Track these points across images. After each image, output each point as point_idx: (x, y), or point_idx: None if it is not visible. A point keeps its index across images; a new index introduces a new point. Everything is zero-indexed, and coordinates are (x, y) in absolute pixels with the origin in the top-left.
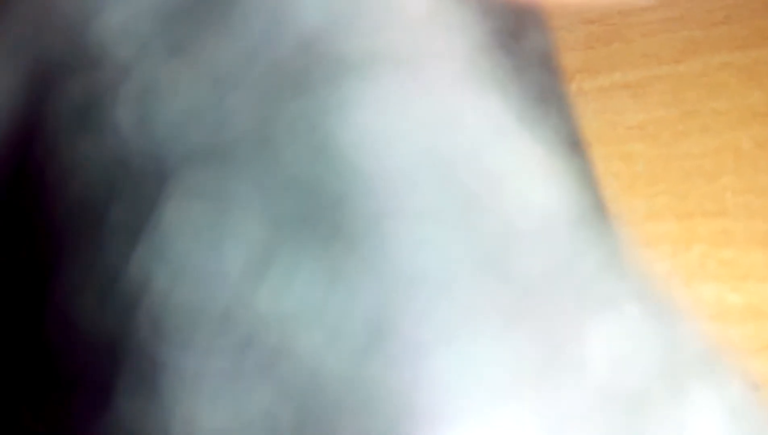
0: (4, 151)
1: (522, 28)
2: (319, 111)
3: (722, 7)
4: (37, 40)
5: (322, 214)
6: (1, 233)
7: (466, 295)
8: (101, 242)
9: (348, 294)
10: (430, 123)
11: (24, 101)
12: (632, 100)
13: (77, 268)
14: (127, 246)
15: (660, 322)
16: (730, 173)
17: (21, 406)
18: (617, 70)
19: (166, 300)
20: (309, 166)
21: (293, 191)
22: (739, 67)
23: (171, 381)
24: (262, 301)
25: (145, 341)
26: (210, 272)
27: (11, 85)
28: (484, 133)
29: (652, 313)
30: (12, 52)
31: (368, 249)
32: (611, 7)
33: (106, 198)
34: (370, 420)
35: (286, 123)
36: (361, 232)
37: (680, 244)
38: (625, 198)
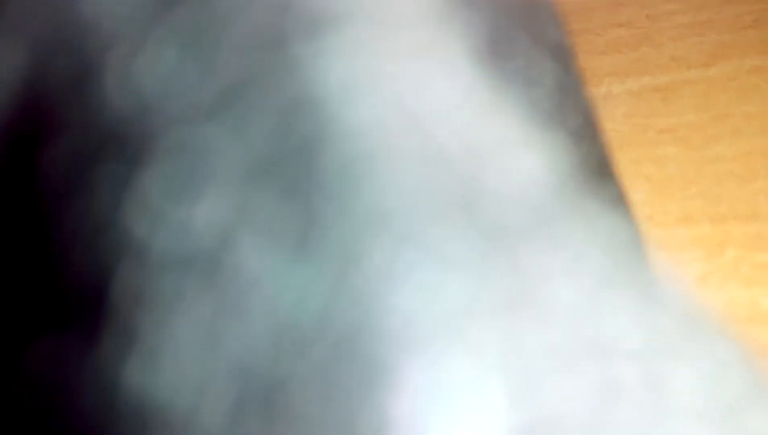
0: (8, 120)
1: (534, 19)
2: (294, 64)
3: (751, 11)
4: (34, 17)
5: (296, 158)
6: (6, 185)
7: (435, 232)
8: (91, 195)
9: (321, 231)
10: (400, 77)
11: (24, 74)
12: (662, 103)
13: (70, 218)
14: (114, 198)
15: (641, 292)
16: (763, 177)
17: (15, 346)
18: (647, 74)
19: (149, 248)
20: (284, 115)
21: (270, 138)
22: None
23: (152, 327)
24: (240, 244)
25: (129, 287)
26: (189, 220)
27: (13, 60)
28: (453, 91)
29: (632, 278)
30: (13, 29)
31: (340, 189)
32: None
33: (95, 157)
34: (343, 350)
35: (262, 77)
36: (332, 174)
37: (714, 247)
38: (657, 201)
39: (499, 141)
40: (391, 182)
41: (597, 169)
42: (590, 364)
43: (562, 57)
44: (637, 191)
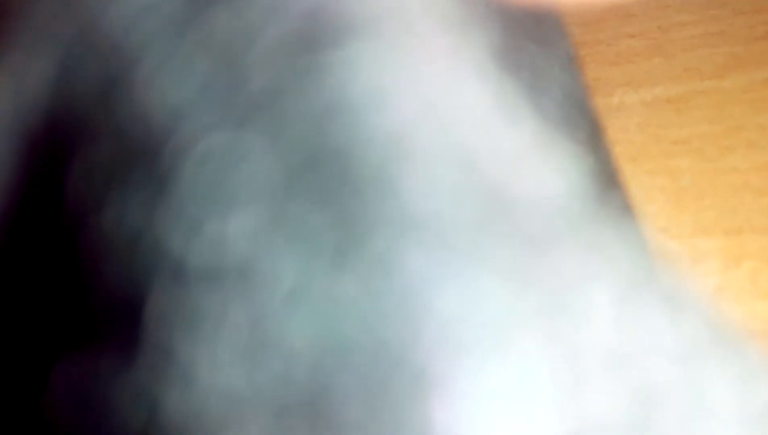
0: (40, 129)
1: (541, 31)
2: (326, 69)
3: (764, 22)
4: (62, 27)
5: (330, 163)
6: (35, 198)
7: (472, 237)
8: (123, 207)
9: (358, 238)
10: (429, 82)
11: (53, 85)
12: (676, 114)
13: (102, 231)
14: (146, 210)
15: (670, 298)
16: None
17: (49, 361)
18: (659, 85)
19: (183, 261)
20: (317, 120)
21: (303, 145)
22: None
23: (189, 341)
24: (276, 254)
25: (164, 301)
26: (224, 231)
27: (42, 71)
28: (481, 97)
29: (660, 283)
30: (42, 39)
31: (375, 194)
32: (605, 8)
33: (127, 166)
34: (385, 357)
35: (294, 83)
36: (367, 178)
37: (730, 260)
38: (671, 213)
39: (527, 147)
40: (426, 187)
41: (604, 180)
42: (629, 368)
43: (569, 68)
44: (651, 203)
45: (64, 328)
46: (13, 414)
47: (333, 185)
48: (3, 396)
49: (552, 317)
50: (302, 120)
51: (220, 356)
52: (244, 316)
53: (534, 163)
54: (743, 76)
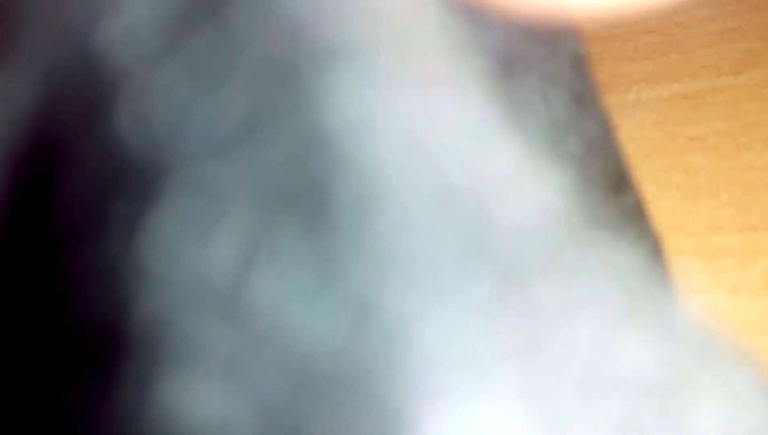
0: (24, 153)
1: (549, 30)
2: (306, 100)
3: None
4: (46, 51)
5: (308, 197)
6: (18, 222)
7: (450, 274)
8: (105, 232)
9: (335, 273)
10: (413, 111)
11: (37, 109)
12: (692, 111)
13: (84, 255)
14: (126, 237)
15: (655, 325)
16: None
17: (29, 388)
18: (676, 81)
19: (162, 289)
20: (296, 152)
21: (281, 177)
22: None
23: (170, 366)
24: (253, 285)
25: (145, 330)
26: (203, 260)
27: (26, 95)
28: (465, 126)
29: (647, 309)
30: (26, 62)
31: (353, 229)
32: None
33: (107, 193)
34: (362, 393)
35: (273, 113)
36: (345, 213)
37: (745, 257)
38: (687, 210)
39: (509, 176)
40: (406, 222)
41: (615, 179)
42: (611, 402)
43: (578, 68)
44: (666, 200)
45: (49, 354)
46: None
47: (312, 219)
48: None
49: (530, 356)
50: (283, 149)
51: (198, 385)
52: (222, 347)
53: (516, 193)
54: (760, 72)
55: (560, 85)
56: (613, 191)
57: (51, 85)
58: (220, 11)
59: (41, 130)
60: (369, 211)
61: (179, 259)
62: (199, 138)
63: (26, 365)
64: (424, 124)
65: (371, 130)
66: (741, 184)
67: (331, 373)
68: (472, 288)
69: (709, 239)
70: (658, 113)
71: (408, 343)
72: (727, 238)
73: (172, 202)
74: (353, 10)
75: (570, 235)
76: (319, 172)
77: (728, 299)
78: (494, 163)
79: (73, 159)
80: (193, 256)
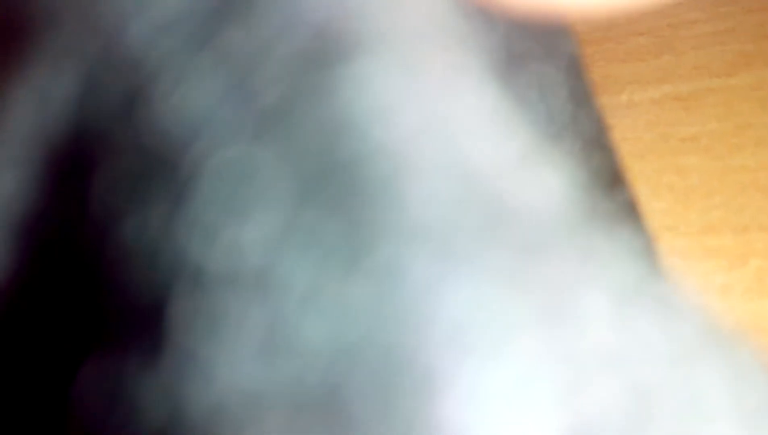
0: (63, 143)
1: (545, 30)
2: (334, 86)
3: None
4: (84, 44)
5: (340, 175)
6: (59, 209)
7: (474, 246)
8: (144, 217)
9: (367, 244)
10: (433, 96)
11: (76, 100)
12: (685, 112)
13: (124, 240)
14: (167, 219)
15: (665, 300)
16: None
17: (74, 362)
18: (668, 83)
19: (202, 268)
20: (327, 134)
21: (314, 157)
22: None
23: (209, 344)
24: (289, 260)
25: (185, 306)
26: (240, 239)
27: (65, 86)
28: (481, 109)
29: (654, 287)
30: (64, 55)
31: (382, 204)
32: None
33: (147, 180)
34: (394, 358)
35: (304, 99)
36: (375, 189)
37: (737, 258)
38: (679, 211)
39: (524, 156)
40: (430, 197)
41: (609, 179)
42: (626, 369)
43: (573, 67)
44: (658, 201)
45: (89, 332)
46: (39, 412)
47: (343, 196)
48: (30, 395)
49: (550, 321)
50: (312, 134)
51: (238, 357)
52: (260, 320)
53: (532, 173)
54: (752, 74)
55: (557, 83)
56: (607, 190)
57: (87, 78)
58: (250, 4)
59: (80, 121)
60: (395, 187)
61: (217, 239)
62: (232, 125)
63: (71, 340)
64: (445, 108)
65: (395, 116)
66: (733, 185)
67: (364, 343)
68: (494, 257)
69: (701, 240)
70: (650, 114)
71: (436, 308)
72: (720, 239)
73: (209, 185)
74: (375, 4)
75: (578, 216)
76: (346, 153)
77: (720, 300)
78: (508, 145)
79: (113, 148)
80: (230, 237)
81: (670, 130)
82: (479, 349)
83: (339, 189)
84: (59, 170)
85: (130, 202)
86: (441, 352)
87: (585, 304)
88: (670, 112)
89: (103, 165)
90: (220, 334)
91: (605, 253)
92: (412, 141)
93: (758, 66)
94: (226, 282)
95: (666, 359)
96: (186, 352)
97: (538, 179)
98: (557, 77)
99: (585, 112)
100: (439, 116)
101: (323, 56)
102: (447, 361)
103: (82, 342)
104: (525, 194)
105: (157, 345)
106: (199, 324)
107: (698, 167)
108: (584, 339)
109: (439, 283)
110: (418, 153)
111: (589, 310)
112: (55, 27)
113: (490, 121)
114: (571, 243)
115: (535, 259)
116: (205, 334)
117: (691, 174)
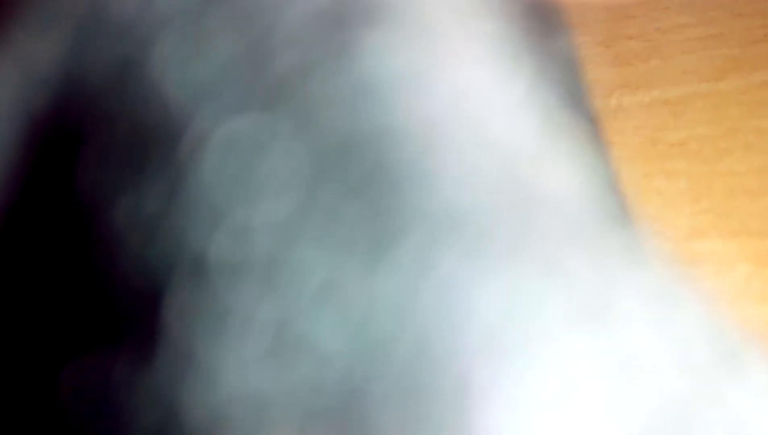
0: (49, 112)
1: (546, 28)
2: (357, 49)
3: (762, 25)
4: (73, 3)
5: (363, 150)
6: (44, 184)
7: (512, 233)
8: (140, 195)
9: (393, 231)
10: (463, 67)
11: (64, 64)
12: (673, 117)
13: (117, 221)
14: (165, 198)
15: (696, 299)
16: None
17: (61, 358)
18: (656, 87)
19: (204, 254)
20: (348, 103)
21: (333, 129)
22: None
23: (210, 340)
24: (305, 248)
25: (184, 297)
26: (248, 222)
27: (52, 50)
28: (515, 86)
29: (681, 287)
30: (51, 17)
31: (411, 185)
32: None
33: (144, 153)
34: (423, 361)
35: (323, 63)
36: (403, 168)
37: (725, 263)
38: (668, 215)
39: (558, 140)
40: (464, 179)
41: (604, 184)
42: (665, 372)
43: (572, 66)
44: (647, 205)
45: (77, 323)
46: (25, 412)
47: (366, 174)
48: (15, 394)
49: (595, 318)
50: (332, 102)
51: (244, 357)
52: (270, 314)
53: (566, 156)
54: (741, 78)
55: (554, 83)
56: (600, 193)
57: (77, 40)
58: None
59: (68, 88)
60: (426, 166)
61: (222, 221)
62: (239, 93)
63: (57, 332)
64: (475, 81)
65: (424, 85)
66: (722, 189)
67: (391, 339)
68: (533, 247)
69: (689, 245)
70: (639, 119)
71: (471, 305)
72: (708, 244)
73: (214, 160)
74: None
75: (615, 204)
76: (372, 124)
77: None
78: (545, 125)
79: (105, 117)
80: (236, 220)
81: (658, 134)
82: (518, 353)
83: (361, 167)
84: (43, 144)
85: (124, 179)
86: (476, 356)
87: (628, 299)
88: (659, 116)
89: (93, 137)
90: (223, 330)
91: (641, 245)
92: (442, 115)
93: (747, 70)
94: (231, 271)
95: (705, 362)
96: (184, 351)
97: (573, 163)
98: (556, 75)
99: (581, 112)
100: (470, 90)
101: (344, 17)
102: (483, 367)
103: (69, 334)
104: (562, 179)
105: (151, 343)
106: (200, 319)
107: (687, 172)
108: (630, 338)
109: (473, 276)
110: (449, 129)
111: (633, 306)
112: None
113: (523, 97)
114: (609, 234)
115: (575, 251)
116: (206, 332)
117: (680, 179)
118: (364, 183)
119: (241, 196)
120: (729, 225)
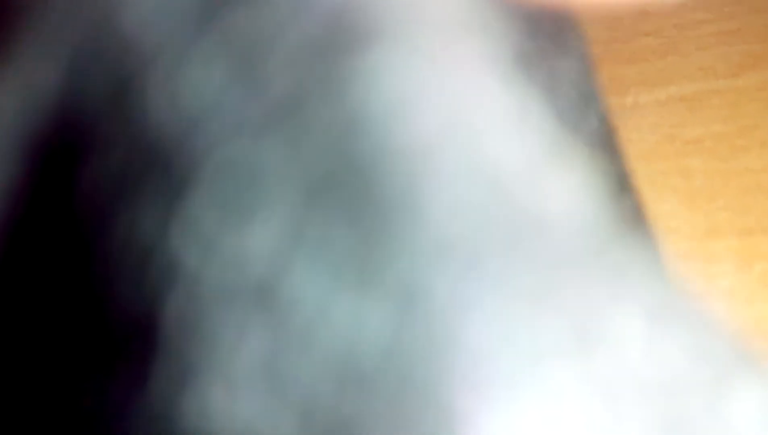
0: (47, 134)
1: (556, 30)
2: (349, 76)
3: None
4: (72, 26)
5: (353, 178)
6: (41, 206)
7: (500, 261)
8: (135, 219)
9: (382, 259)
10: (456, 90)
11: (60, 88)
12: (689, 113)
13: (113, 245)
14: (157, 225)
15: (694, 320)
16: None
17: (55, 381)
18: (673, 84)
19: (199, 277)
20: (340, 130)
21: (324, 158)
22: None
23: (205, 363)
24: (296, 273)
25: (179, 320)
26: (241, 248)
27: (48, 73)
28: (508, 108)
29: (685, 309)
30: (50, 38)
31: (400, 213)
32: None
33: (140, 177)
34: (411, 389)
35: (315, 90)
36: (392, 195)
37: (741, 261)
38: (684, 213)
39: (552, 162)
40: (453, 207)
41: (616, 182)
42: (662, 397)
43: (583, 68)
44: (663, 203)
45: (74, 343)
46: (21, 432)
47: (356, 202)
48: (11, 413)
49: (584, 347)
50: (324, 129)
51: (236, 383)
52: (261, 341)
53: (559, 180)
54: (758, 74)
55: (566, 83)
56: (615, 195)
57: (76, 63)
58: None
59: (66, 110)
60: (415, 194)
61: (215, 248)
62: (234, 119)
63: (53, 359)
64: (467, 104)
65: (414, 112)
66: (738, 187)
67: (378, 368)
68: (522, 275)
69: (705, 243)
70: (656, 116)
71: (458, 333)
72: (724, 242)
73: (207, 187)
74: None
75: (612, 227)
76: (361, 152)
77: (725, 303)
78: (538, 148)
79: (102, 140)
80: (230, 245)
81: (675, 131)
82: (505, 382)
83: (352, 194)
84: (41, 166)
85: (119, 204)
86: (463, 384)
87: (618, 326)
88: (675, 113)
89: (90, 161)
90: (215, 356)
91: (637, 267)
92: (433, 141)
93: (764, 67)
94: (223, 296)
95: (700, 385)
96: (176, 376)
97: (563, 186)
98: (567, 78)
99: (593, 114)
100: (462, 113)
101: (336, 44)
102: (469, 396)
103: (63, 356)
104: (553, 203)
105: (143, 367)
106: (192, 344)
107: (703, 169)
108: (619, 367)
109: (461, 304)
110: (440, 154)
111: (624, 333)
112: (40, 8)
113: (516, 120)
114: (602, 256)
115: (566, 278)
116: (199, 356)
117: (696, 176)
118: (353, 211)
119: (233, 221)
120: (745, 222)
